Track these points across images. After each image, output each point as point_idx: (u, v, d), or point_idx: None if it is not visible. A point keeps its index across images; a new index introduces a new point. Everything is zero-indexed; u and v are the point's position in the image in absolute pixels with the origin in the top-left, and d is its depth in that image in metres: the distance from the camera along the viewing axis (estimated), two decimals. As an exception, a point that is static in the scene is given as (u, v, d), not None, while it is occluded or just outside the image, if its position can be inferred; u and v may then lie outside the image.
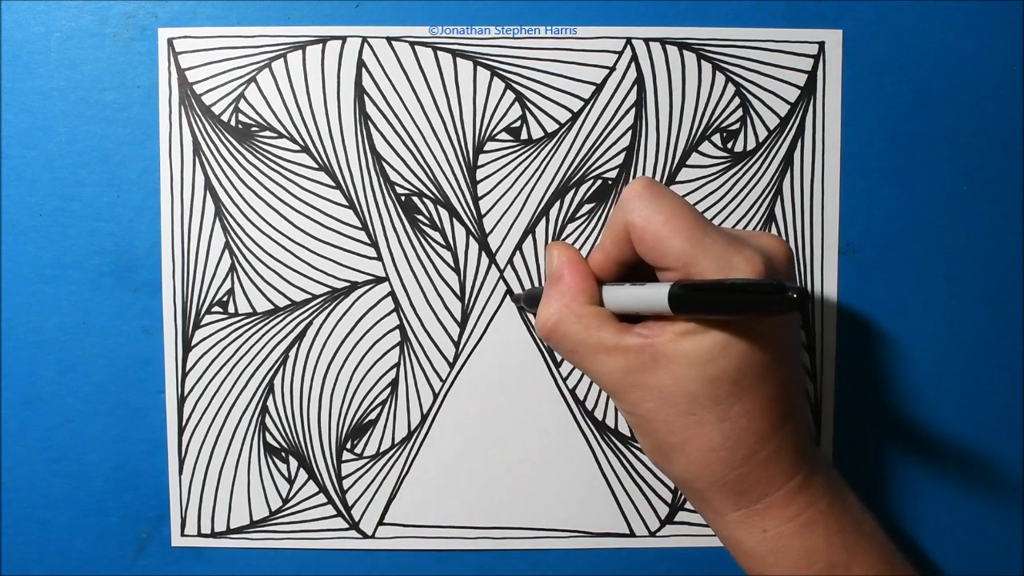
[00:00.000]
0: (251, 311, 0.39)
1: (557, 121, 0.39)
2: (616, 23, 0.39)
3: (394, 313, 0.40)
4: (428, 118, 0.39)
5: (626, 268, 0.32)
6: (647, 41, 0.39)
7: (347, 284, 0.40)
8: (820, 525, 0.29)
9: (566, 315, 0.31)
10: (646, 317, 0.30)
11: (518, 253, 0.40)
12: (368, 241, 0.40)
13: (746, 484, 0.29)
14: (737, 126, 0.39)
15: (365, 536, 0.40)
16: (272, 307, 0.40)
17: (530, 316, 0.39)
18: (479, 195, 0.39)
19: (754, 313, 0.27)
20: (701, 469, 0.29)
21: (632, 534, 0.40)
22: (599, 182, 0.39)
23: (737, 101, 0.39)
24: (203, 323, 0.39)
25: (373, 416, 0.40)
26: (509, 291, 0.39)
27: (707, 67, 0.39)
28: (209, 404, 0.40)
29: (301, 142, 0.39)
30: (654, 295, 0.28)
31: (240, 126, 0.39)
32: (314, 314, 0.40)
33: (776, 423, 0.29)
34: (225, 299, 0.39)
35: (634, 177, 0.39)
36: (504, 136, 0.39)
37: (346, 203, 0.39)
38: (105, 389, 0.39)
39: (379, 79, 0.39)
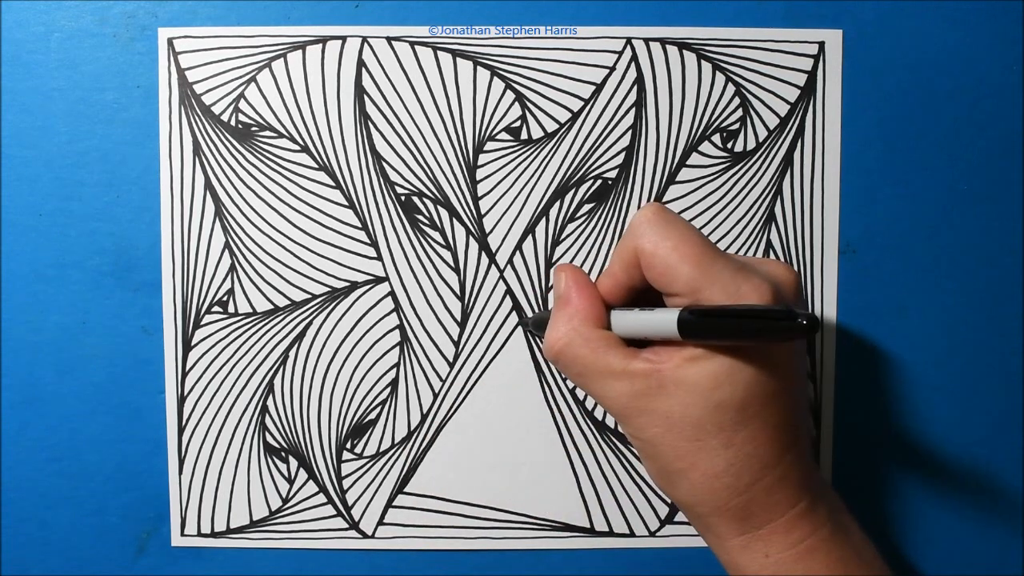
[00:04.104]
0: (251, 311, 0.39)
1: (557, 121, 0.39)
2: (616, 23, 0.39)
3: (394, 313, 0.40)
4: (428, 118, 0.39)
5: (634, 293, 0.32)
6: (647, 41, 0.39)
7: (347, 284, 0.40)
8: (822, 552, 0.29)
9: (574, 338, 0.31)
10: (653, 342, 0.30)
11: (518, 253, 0.40)
12: (368, 241, 0.40)
13: (749, 510, 0.29)
14: (737, 126, 0.39)
15: (365, 536, 0.40)
16: (272, 307, 0.40)
17: (538, 339, 0.39)
18: (479, 195, 0.39)
19: (763, 339, 0.27)
20: (705, 494, 0.29)
21: (632, 534, 0.40)
22: (599, 182, 0.39)
23: (737, 101, 0.39)
24: (203, 323, 0.39)
25: (373, 416, 0.40)
26: (519, 316, 0.40)
27: (707, 67, 0.39)
28: (209, 404, 0.40)
29: (301, 142, 0.39)
30: (663, 320, 0.29)
31: (240, 126, 0.39)
32: (314, 314, 0.40)
33: (781, 450, 0.29)
34: (225, 299, 0.39)
35: (634, 177, 0.39)
36: (504, 136, 0.39)
37: (346, 203, 0.39)
38: (105, 389, 0.39)
39: (379, 79, 0.39)
